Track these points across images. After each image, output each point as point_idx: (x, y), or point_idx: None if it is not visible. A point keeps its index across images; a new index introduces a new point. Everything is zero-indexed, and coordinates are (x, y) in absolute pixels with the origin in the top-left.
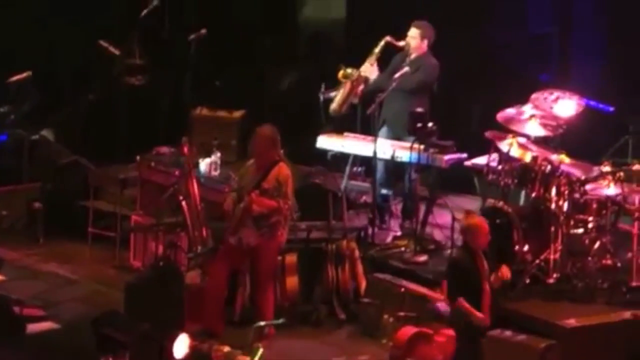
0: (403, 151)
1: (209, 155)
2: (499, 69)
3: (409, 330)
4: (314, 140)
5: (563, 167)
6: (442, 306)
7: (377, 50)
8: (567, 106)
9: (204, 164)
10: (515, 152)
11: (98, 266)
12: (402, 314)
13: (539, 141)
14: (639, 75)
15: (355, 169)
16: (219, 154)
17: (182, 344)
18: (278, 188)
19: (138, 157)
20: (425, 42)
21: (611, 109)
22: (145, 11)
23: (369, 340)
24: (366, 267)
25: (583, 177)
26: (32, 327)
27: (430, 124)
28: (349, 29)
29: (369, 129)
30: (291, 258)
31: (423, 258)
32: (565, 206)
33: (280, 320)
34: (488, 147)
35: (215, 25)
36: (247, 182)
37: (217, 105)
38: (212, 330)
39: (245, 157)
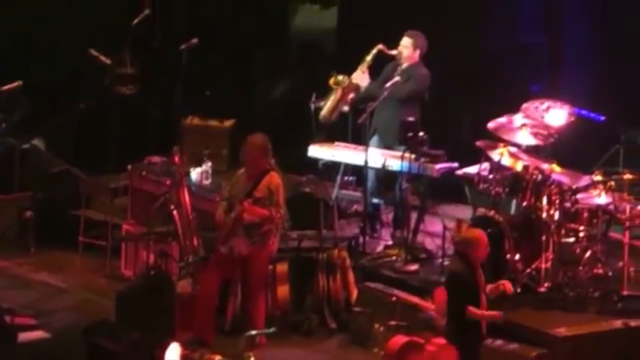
0: (394, 160)
1: (200, 165)
2: (490, 78)
3: (400, 340)
4: (305, 150)
5: (554, 176)
6: (436, 316)
7: (369, 57)
8: (558, 115)
9: (195, 173)
10: (506, 161)
11: (89, 275)
12: (393, 323)
13: (530, 150)
14: (630, 84)
15: (346, 178)
16: (210, 163)
17: (173, 353)
18: (270, 197)
19: (129, 166)
20: (418, 51)
21: (602, 118)
22: (136, 20)
23: (360, 350)
24: (357, 276)
25: (574, 186)
26: (23, 336)
27: (421, 133)
28: (340, 38)
29: (360, 138)
30: (282, 267)
31: (414, 267)
32: (557, 215)
33: (272, 330)
34: (479, 156)
35: (207, 35)
36: (238, 191)
37: (208, 115)
38: (203, 339)
39: (236, 166)
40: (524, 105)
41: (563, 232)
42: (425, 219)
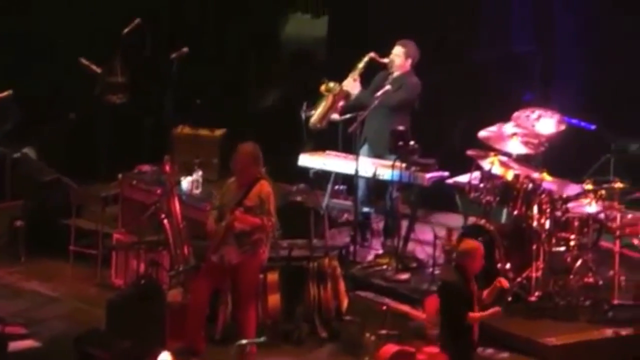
0: (385, 169)
1: (190, 174)
2: (481, 87)
3: (390, 348)
4: (296, 159)
5: (545, 185)
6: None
7: (360, 65)
8: (548, 124)
9: (185, 182)
10: (497, 170)
11: (80, 284)
12: (384, 332)
13: (521, 159)
14: (621, 93)
15: (337, 187)
16: (200, 172)
17: None
18: (261, 205)
19: (120, 175)
20: (409, 61)
21: (593, 127)
22: (127, 29)
23: (350, 359)
24: (348, 285)
25: (565, 195)
26: (14, 345)
27: (411, 142)
28: (330, 47)
29: (350, 147)
30: (273, 276)
31: (405, 276)
32: (547, 224)
33: (262, 339)
34: (470, 165)
35: (197, 44)
36: (228, 200)
37: (199, 124)
38: (194, 348)
39: (226, 175)
40: (515, 114)
41: (554, 241)
42: (415, 228)
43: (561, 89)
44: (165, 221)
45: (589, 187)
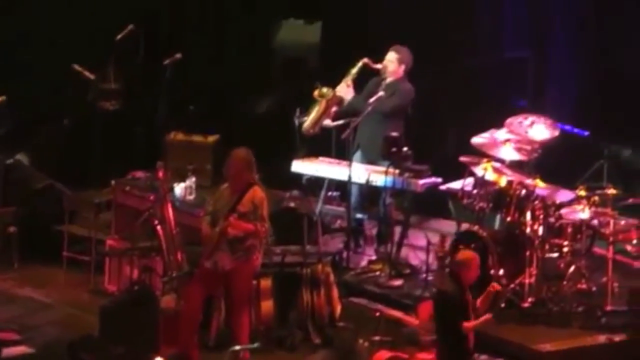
0: (378, 175)
1: (183, 180)
2: (474, 93)
3: (384, 355)
4: (289, 165)
5: (538, 191)
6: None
7: (354, 70)
8: (542, 130)
9: (179, 188)
10: (490, 176)
11: (73, 290)
12: (377, 338)
13: (514, 165)
14: (614, 99)
15: (330, 193)
16: (193, 179)
17: None
18: (254, 211)
19: (113, 182)
20: (403, 67)
21: (586, 133)
22: (120, 35)
23: None
24: (341, 291)
25: (558, 202)
26: (7, 352)
27: (404, 149)
28: (323, 53)
29: (343, 154)
30: (266, 282)
31: (398, 282)
32: (540, 230)
33: (255, 345)
34: (463, 171)
35: (190, 50)
36: (221, 206)
37: (192, 130)
38: (187, 354)
39: (220, 181)
40: (508, 120)
41: (547, 247)
42: (409, 234)
43: (554, 95)
44: (159, 227)
45: (582, 193)
